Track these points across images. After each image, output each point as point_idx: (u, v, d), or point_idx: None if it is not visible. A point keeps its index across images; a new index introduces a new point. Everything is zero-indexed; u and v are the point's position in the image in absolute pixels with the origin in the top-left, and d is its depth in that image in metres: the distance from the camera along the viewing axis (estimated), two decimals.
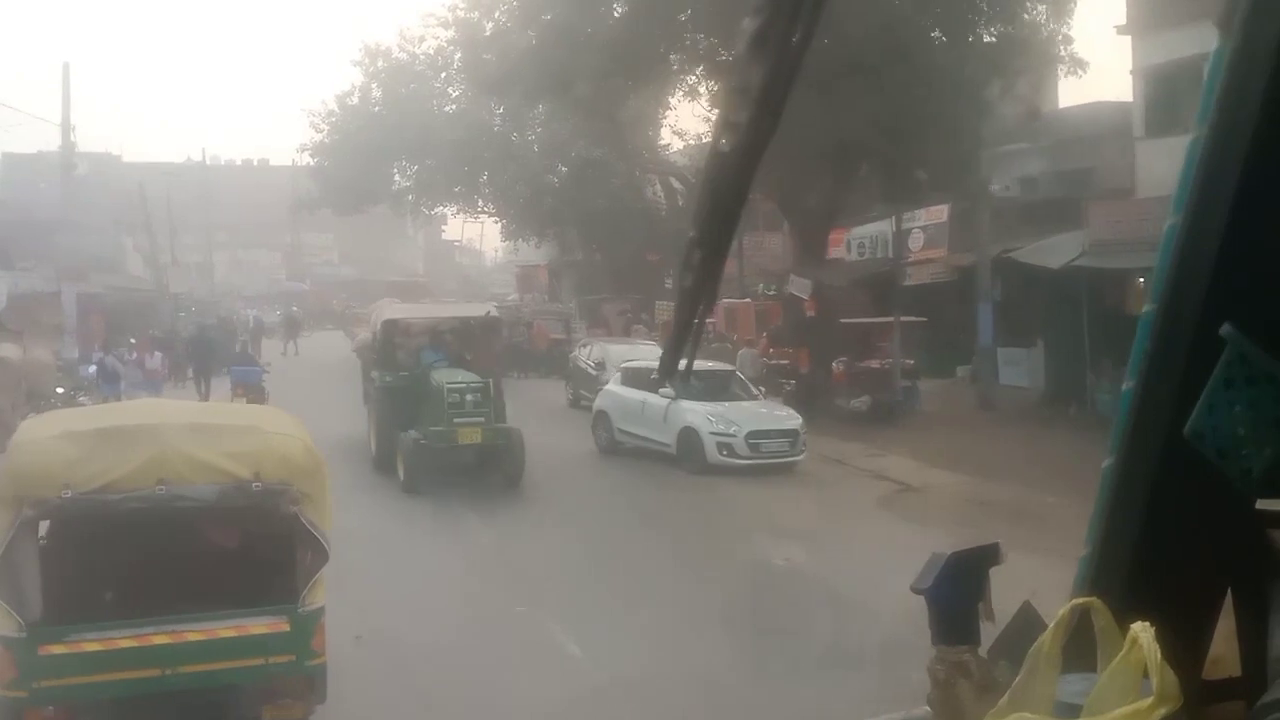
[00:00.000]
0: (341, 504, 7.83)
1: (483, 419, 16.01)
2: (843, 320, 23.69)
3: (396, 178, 43.00)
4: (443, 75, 40.99)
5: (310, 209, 44.12)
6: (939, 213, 25.53)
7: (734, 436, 17.48)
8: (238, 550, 7.56)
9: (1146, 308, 1.44)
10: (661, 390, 17.93)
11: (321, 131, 42.35)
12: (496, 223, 49.15)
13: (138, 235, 46.74)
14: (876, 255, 27.63)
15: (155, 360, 21.10)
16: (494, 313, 19.62)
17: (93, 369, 20.30)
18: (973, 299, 24.34)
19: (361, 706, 7.98)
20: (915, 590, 1.45)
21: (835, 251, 30.60)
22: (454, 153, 38.08)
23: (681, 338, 1.33)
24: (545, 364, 31.24)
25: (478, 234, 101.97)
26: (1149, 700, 1.14)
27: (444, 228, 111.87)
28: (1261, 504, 1.38)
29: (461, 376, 16.42)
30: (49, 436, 6.77)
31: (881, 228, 27.11)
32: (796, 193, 22.62)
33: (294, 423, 7.57)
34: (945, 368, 26.25)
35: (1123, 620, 1.26)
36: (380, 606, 10.07)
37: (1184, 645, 1.37)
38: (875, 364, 23.52)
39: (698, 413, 17.77)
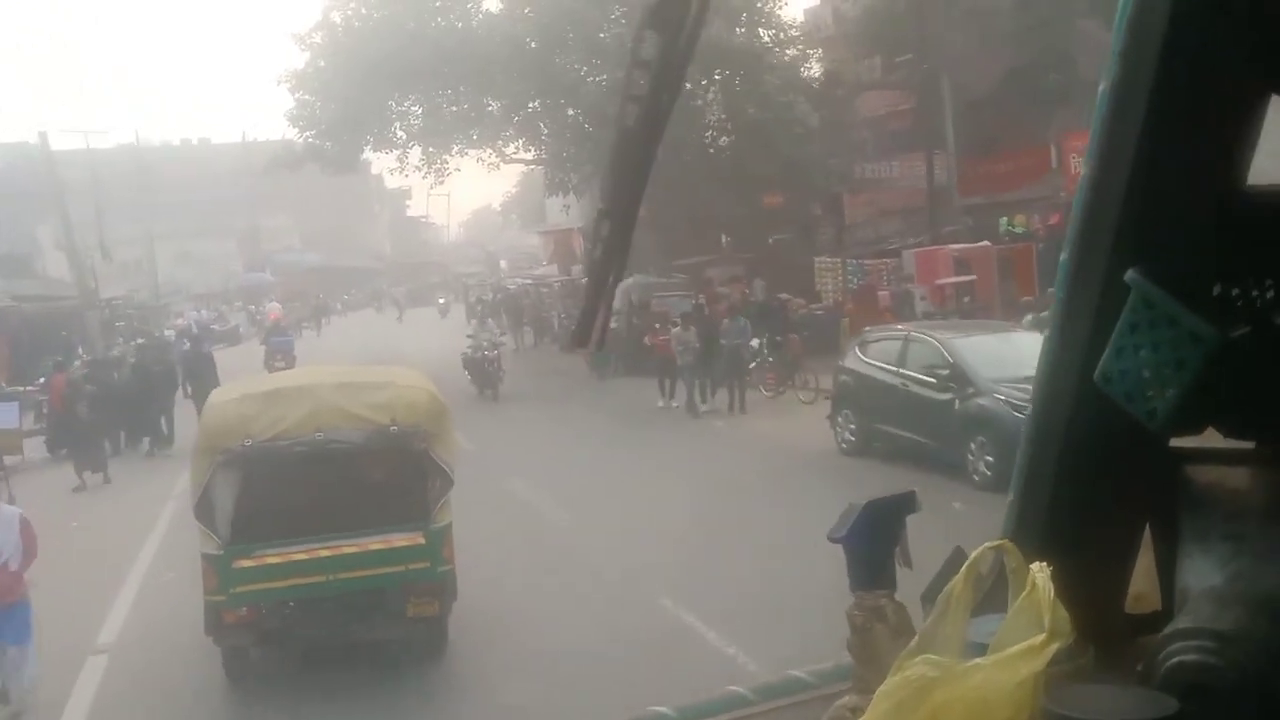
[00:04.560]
0: None
1: None
2: None
3: (414, 111, 31.01)
4: None
5: (291, 168, 32.05)
6: None
7: None
8: (381, 481, 9.09)
9: (1062, 257, 1.43)
10: None
11: (307, 52, 30.17)
12: (535, 168, 38.14)
13: (55, 226, 35.38)
14: None
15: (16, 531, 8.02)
16: None
17: None
18: None
19: None
20: (831, 539, 1.40)
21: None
22: (498, 71, 26.91)
23: (594, 307, 1.36)
24: (704, 369, 20.32)
25: (442, 208, 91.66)
26: (1042, 636, 1.13)
27: (408, 202, 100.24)
28: (1176, 442, 1.39)
29: None
30: (232, 400, 9.04)
31: None
32: None
33: (420, 377, 9.81)
34: None
35: (1040, 562, 1.23)
36: None
37: (1105, 582, 1.44)
38: None
39: None
